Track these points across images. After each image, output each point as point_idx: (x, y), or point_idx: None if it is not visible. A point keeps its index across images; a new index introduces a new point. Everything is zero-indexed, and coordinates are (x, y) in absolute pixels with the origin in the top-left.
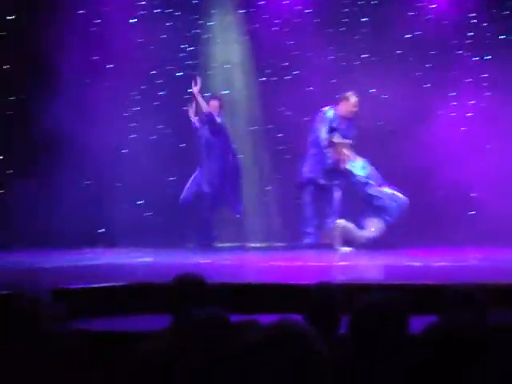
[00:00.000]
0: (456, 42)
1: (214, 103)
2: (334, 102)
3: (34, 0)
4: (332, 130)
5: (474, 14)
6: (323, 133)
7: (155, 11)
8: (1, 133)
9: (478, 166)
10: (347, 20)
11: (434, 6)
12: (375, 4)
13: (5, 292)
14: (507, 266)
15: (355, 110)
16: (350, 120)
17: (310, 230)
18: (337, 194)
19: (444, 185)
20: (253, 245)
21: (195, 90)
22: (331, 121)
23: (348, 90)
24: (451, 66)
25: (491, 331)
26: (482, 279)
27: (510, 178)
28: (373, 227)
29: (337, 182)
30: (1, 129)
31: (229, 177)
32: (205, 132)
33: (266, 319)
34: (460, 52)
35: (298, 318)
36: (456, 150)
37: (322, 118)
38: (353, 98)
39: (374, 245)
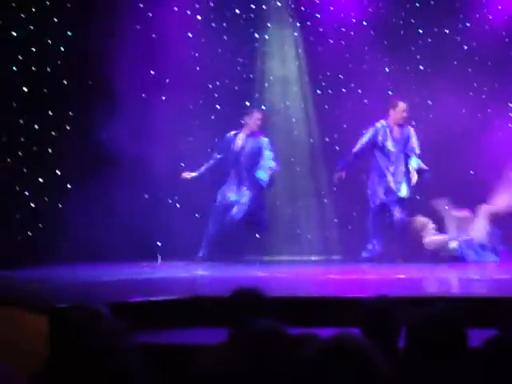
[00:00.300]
0: None
1: (257, 115)
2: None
3: (92, 15)
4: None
5: None
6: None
7: (212, 25)
8: (60, 147)
9: None
10: (403, 32)
11: (490, 17)
12: (431, 15)
13: (64, 305)
14: None
15: (405, 115)
16: (402, 126)
17: (370, 246)
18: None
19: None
20: (310, 258)
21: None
22: (377, 131)
23: (406, 102)
24: (508, 77)
25: None
26: None
27: None
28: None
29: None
30: (60, 143)
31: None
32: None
33: (324, 333)
34: None
35: (355, 331)
36: None
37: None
38: (401, 104)
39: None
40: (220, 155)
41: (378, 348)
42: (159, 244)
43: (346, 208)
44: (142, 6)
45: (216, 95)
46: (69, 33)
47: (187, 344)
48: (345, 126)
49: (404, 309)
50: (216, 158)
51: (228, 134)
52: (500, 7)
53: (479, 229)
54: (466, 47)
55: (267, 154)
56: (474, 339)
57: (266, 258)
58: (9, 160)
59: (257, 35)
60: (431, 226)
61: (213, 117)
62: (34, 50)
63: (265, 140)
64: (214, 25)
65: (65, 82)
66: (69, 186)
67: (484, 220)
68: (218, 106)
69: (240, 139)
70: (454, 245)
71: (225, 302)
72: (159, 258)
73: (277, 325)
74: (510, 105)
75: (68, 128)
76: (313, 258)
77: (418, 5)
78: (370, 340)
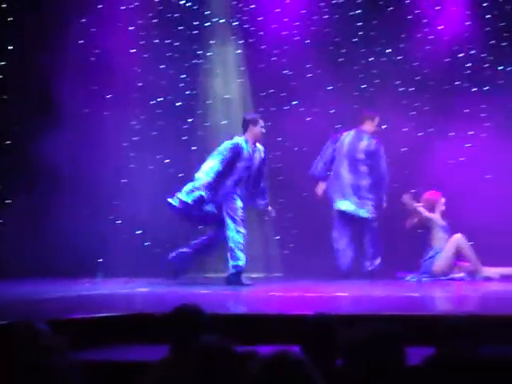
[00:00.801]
0: (454, 73)
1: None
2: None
3: (34, 30)
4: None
5: (472, 45)
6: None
7: (154, 41)
8: (0, 162)
9: (476, 196)
10: (346, 50)
11: (432, 36)
12: (374, 35)
13: (3, 322)
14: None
15: (378, 129)
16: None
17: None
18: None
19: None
20: (251, 275)
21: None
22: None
23: (347, 121)
24: (450, 97)
25: (485, 364)
26: (476, 311)
27: (508, 206)
28: None
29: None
30: (0, 158)
31: None
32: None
33: (265, 350)
34: (458, 83)
35: (295, 349)
36: (455, 180)
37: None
38: (376, 118)
39: (371, 276)
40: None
41: (317, 365)
42: (100, 260)
43: (287, 225)
44: (84, 20)
45: (158, 111)
46: (10, 47)
47: (129, 361)
48: (286, 143)
49: (343, 327)
50: None
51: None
52: (441, 27)
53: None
54: (407, 66)
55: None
56: (412, 357)
57: (208, 275)
58: None
59: (200, 52)
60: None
61: (155, 133)
62: None
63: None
64: (157, 41)
65: (5, 97)
66: (8, 201)
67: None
68: (160, 122)
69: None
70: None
71: (166, 318)
72: (100, 274)
73: (224, 341)
74: (449, 125)
75: (8, 142)
76: (254, 275)
77: (360, 24)
78: (309, 357)
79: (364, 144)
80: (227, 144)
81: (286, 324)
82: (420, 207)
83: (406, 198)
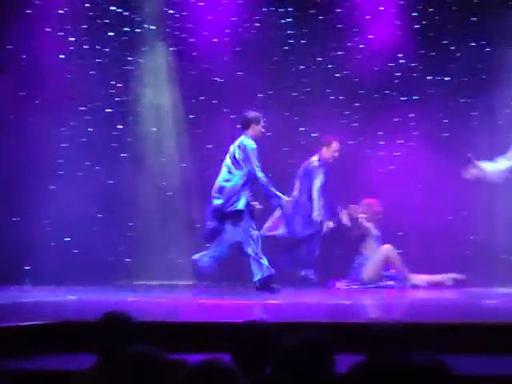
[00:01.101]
0: (384, 82)
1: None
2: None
3: None
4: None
5: (401, 55)
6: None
7: (85, 47)
8: None
9: (404, 204)
10: (277, 58)
11: (362, 46)
12: (305, 44)
13: None
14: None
15: (337, 155)
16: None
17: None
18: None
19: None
20: (181, 282)
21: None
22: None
23: (280, 128)
24: (379, 106)
25: (413, 371)
26: (405, 318)
27: (436, 215)
28: None
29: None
30: None
31: None
32: None
33: (194, 359)
34: (388, 92)
35: (224, 357)
36: (385, 189)
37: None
38: (334, 144)
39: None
40: None
41: (247, 374)
42: (28, 268)
43: None
44: (13, 25)
45: (88, 118)
46: None
47: (57, 370)
48: (217, 151)
49: (274, 334)
50: None
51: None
52: (372, 37)
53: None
54: (338, 75)
55: None
56: (342, 364)
57: (137, 283)
58: None
59: (130, 58)
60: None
61: (84, 139)
62: None
63: None
64: (87, 46)
65: None
66: None
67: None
68: (89, 129)
69: None
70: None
71: (94, 327)
72: (28, 282)
73: (154, 350)
74: (379, 133)
75: None
76: (184, 282)
77: (291, 32)
78: (239, 366)
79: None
80: (253, 146)
81: (216, 332)
82: (362, 216)
83: (353, 208)
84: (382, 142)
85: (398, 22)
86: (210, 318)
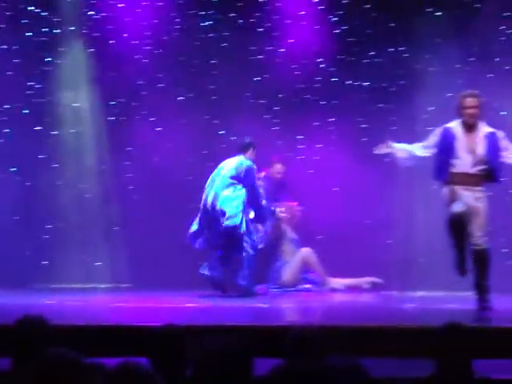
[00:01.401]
0: (303, 86)
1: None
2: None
3: None
4: None
5: (321, 59)
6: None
7: (2, 47)
8: None
9: (323, 208)
10: (197, 61)
11: (282, 50)
12: (225, 47)
13: None
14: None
15: (279, 176)
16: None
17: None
18: None
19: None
20: (100, 286)
21: None
22: None
23: (199, 131)
24: (299, 110)
25: (331, 374)
26: (324, 321)
27: (355, 219)
28: None
29: None
30: None
31: None
32: None
33: (111, 362)
34: (308, 96)
35: (142, 361)
36: (304, 191)
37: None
38: (276, 165)
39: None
40: None
41: (165, 378)
42: None
43: (136, 236)
44: None
45: (4, 119)
46: None
47: None
48: (136, 153)
49: (193, 338)
50: None
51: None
52: (292, 41)
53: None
54: (258, 78)
55: None
56: (261, 368)
57: (55, 286)
58: None
59: (49, 59)
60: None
61: (1, 140)
62: None
63: None
64: (4, 47)
65: None
66: None
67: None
68: (6, 130)
69: None
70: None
71: (8, 330)
72: None
73: (71, 354)
74: (299, 137)
75: None
76: (102, 285)
77: (211, 35)
78: (157, 369)
79: None
80: (253, 166)
81: (134, 335)
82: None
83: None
84: (301, 146)
85: (318, 27)
86: (128, 322)
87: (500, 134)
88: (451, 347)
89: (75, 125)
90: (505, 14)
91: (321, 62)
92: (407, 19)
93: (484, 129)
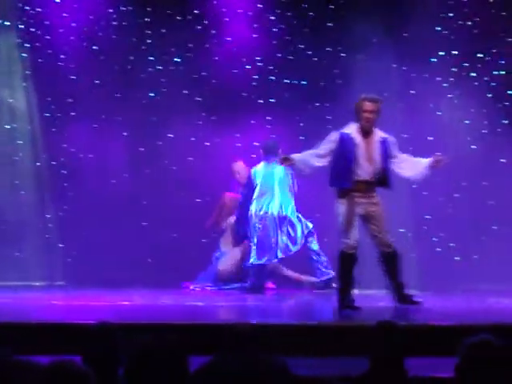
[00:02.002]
0: (241, 84)
1: None
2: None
3: None
4: None
5: (259, 58)
6: None
7: None
8: None
9: None
10: (133, 58)
11: (220, 47)
12: (163, 44)
13: None
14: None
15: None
16: None
17: None
18: None
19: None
20: (35, 283)
21: None
22: None
23: (136, 128)
24: (237, 107)
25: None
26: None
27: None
28: None
29: None
30: None
31: None
32: None
33: (45, 360)
34: (245, 94)
35: (75, 359)
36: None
37: None
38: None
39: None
40: None
41: (99, 375)
42: None
43: (70, 234)
44: None
45: None
46: None
47: None
48: (72, 150)
49: (126, 336)
50: None
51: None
52: (229, 39)
53: None
54: (195, 76)
55: None
56: (195, 365)
57: None
58: None
59: None
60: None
61: None
62: None
63: None
64: None
65: None
66: None
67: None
68: None
69: None
70: None
71: None
72: None
73: (2, 351)
74: (236, 135)
75: None
76: (36, 283)
77: (148, 32)
78: (90, 367)
79: None
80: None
81: (68, 333)
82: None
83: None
84: (238, 144)
85: (256, 25)
86: (61, 319)
87: (391, 139)
88: (383, 345)
89: (11, 120)
90: (441, 15)
91: (258, 61)
92: (344, 19)
93: (379, 134)
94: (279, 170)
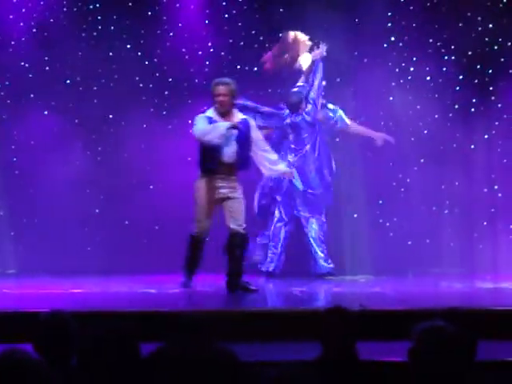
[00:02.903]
0: (193, 69)
1: None
2: None
3: None
4: None
5: (211, 43)
6: None
7: None
8: None
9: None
10: (86, 44)
11: (171, 33)
12: (113, 30)
13: None
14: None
15: None
16: None
17: None
18: None
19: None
20: None
21: None
22: None
23: (86, 115)
24: (189, 94)
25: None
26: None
27: None
28: None
29: None
30: None
31: None
32: None
33: None
34: (197, 80)
35: (27, 347)
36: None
37: None
38: None
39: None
40: None
41: (51, 364)
42: None
43: (21, 221)
44: None
45: None
46: None
47: None
48: (22, 137)
49: (78, 324)
50: None
51: None
52: (181, 25)
53: None
54: (147, 63)
55: None
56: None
57: None
58: None
59: None
60: None
61: None
62: None
63: None
64: None
65: None
66: None
67: None
68: None
69: None
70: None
71: None
72: None
73: None
74: (189, 121)
75: None
76: None
77: (99, 18)
78: (42, 356)
79: None
80: None
81: (19, 321)
82: None
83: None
84: (191, 131)
85: (207, 11)
86: (12, 308)
87: (252, 122)
88: (335, 330)
89: None
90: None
91: (211, 46)
92: (296, 4)
93: (238, 116)
94: None
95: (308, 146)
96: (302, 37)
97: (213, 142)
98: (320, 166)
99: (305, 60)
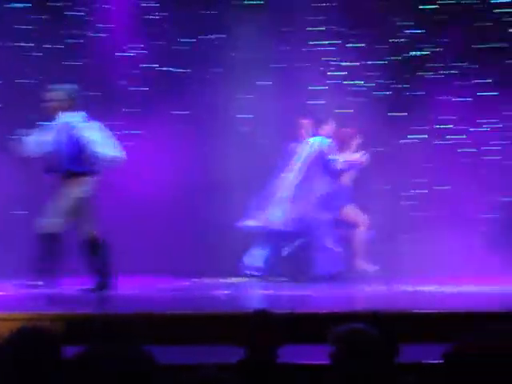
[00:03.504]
0: (123, 72)
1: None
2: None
3: None
4: None
5: (140, 45)
6: None
7: None
8: None
9: (149, 194)
10: (13, 45)
11: (104, 35)
12: (43, 29)
13: None
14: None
15: None
16: None
17: None
18: None
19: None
20: None
21: None
22: None
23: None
24: (118, 96)
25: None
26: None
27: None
28: None
29: None
30: None
31: None
32: None
33: None
34: (124, 82)
35: None
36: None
37: None
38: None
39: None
40: None
41: None
42: None
43: None
44: None
45: None
46: None
47: None
48: None
49: None
50: None
51: None
52: (108, 26)
53: None
54: (74, 63)
55: None
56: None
57: None
58: None
59: None
60: None
61: None
62: None
63: None
64: None
65: None
66: None
67: None
68: None
69: None
70: None
71: None
72: None
73: None
74: (119, 123)
75: None
76: None
77: (28, 17)
78: None
79: None
80: None
81: None
82: None
83: None
84: (117, 132)
85: (137, 13)
86: None
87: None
88: (258, 334)
89: None
90: (321, 5)
91: (139, 48)
92: (223, 7)
93: (64, 118)
94: None
95: None
96: None
97: None
98: None
99: None
